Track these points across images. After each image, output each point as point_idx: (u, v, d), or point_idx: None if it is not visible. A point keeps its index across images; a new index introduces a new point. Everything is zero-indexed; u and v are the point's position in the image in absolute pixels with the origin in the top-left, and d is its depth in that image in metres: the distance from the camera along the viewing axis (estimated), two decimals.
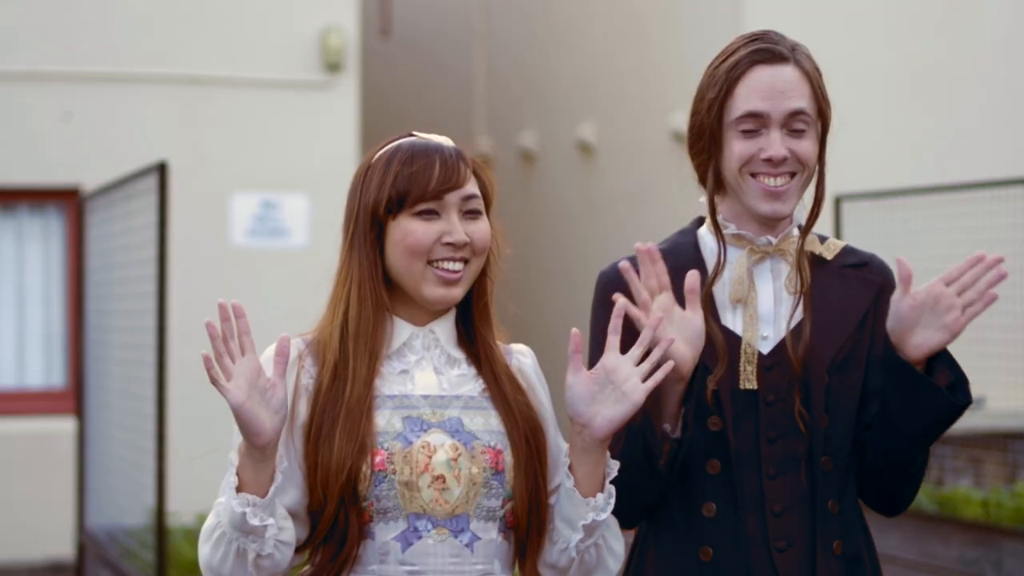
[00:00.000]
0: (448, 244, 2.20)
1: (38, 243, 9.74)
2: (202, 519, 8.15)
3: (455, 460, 2.18)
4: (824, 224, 8.04)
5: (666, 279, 2.27)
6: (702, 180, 2.47)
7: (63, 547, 8.85)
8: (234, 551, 2.11)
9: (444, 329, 2.29)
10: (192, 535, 8.01)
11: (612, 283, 2.37)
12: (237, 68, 9.72)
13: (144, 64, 9.60)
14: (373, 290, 2.23)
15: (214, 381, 2.05)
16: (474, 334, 2.30)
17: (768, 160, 2.36)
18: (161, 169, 6.07)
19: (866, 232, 7.91)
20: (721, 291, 2.43)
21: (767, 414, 2.37)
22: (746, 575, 2.36)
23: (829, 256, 2.48)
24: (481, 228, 2.23)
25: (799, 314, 2.41)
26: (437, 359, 2.27)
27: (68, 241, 9.64)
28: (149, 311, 6.23)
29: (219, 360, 2.05)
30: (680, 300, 2.29)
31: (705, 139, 2.42)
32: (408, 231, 2.20)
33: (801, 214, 2.50)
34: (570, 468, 2.23)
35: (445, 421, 2.21)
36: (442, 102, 15.50)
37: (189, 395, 8.59)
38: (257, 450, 2.07)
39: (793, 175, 2.39)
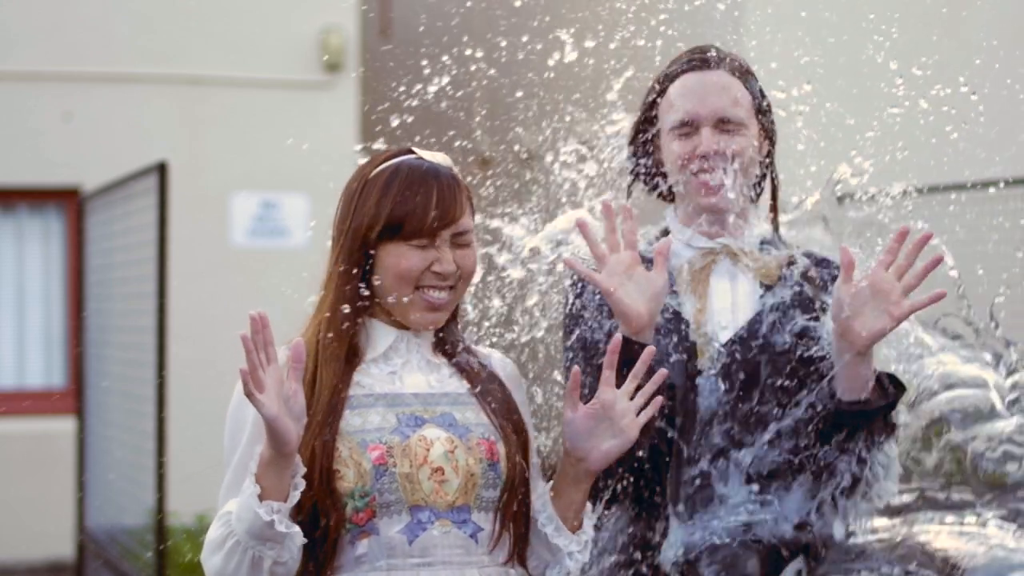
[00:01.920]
0: (437, 273, 2.24)
1: (38, 243, 9.74)
2: (202, 519, 8.14)
3: (452, 452, 2.22)
4: None
5: (633, 238, 2.34)
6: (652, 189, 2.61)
7: (63, 547, 8.85)
8: (249, 560, 2.11)
9: (424, 336, 2.33)
10: (192, 535, 8.01)
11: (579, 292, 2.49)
12: (237, 68, 9.72)
13: (144, 64, 9.60)
14: (351, 301, 2.25)
15: (249, 395, 2.05)
16: (445, 335, 2.35)
17: (703, 156, 2.48)
18: (161, 169, 6.08)
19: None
20: (688, 305, 2.52)
21: (722, 399, 2.46)
22: (709, 546, 2.45)
23: (783, 258, 2.56)
24: (469, 256, 2.28)
25: (755, 308, 2.49)
26: (419, 362, 2.31)
27: (68, 241, 9.64)
28: (149, 311, 6.23)
29: (253, 373, 2.06)
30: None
31: (638, 144, 2.58)
32: (400, 258, 2.23)
33: (759, 226, 2.61)
34: (551, 495, 2.30)
35: (438, 416, 2.25)
36: (442, 102, 15.48)
37: (189, 395, 8.59)
38: (283, 458, 2.09)
39: (726, 171, 2.49)
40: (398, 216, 2.23)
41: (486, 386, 2.30)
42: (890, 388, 2.43)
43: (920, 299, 2.33)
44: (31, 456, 9.34)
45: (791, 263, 2.54)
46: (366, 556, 2.19)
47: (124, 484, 6.99)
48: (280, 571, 2.14)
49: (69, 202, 9.59)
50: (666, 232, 2.60)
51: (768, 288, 2.51)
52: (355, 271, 2.25)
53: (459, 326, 2.38)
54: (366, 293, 2.27)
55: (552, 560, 2.31)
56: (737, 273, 2.54)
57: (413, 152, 2.31)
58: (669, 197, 2.61)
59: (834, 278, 2.48)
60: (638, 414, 2.25)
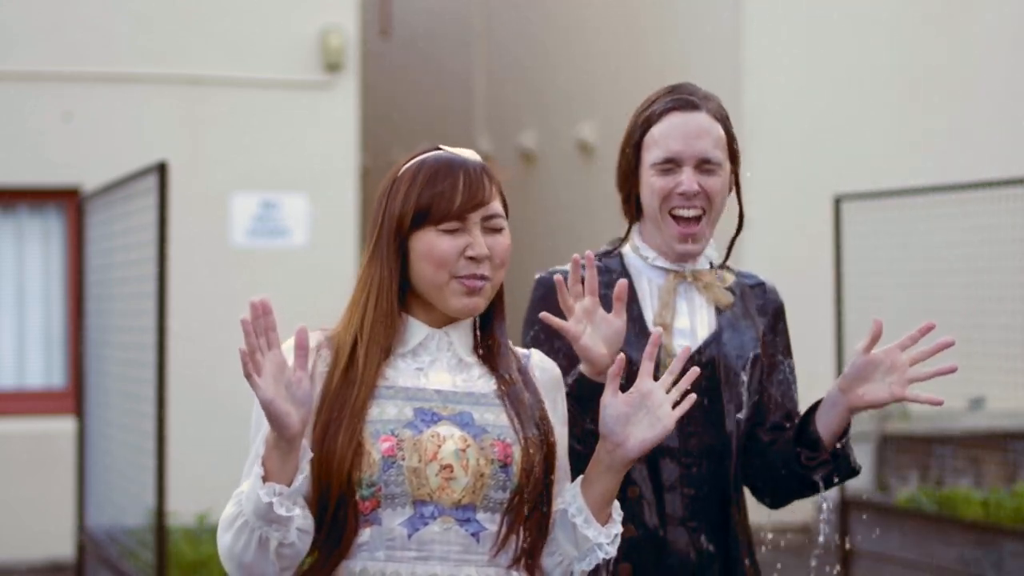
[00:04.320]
0: (471, 258, 2.26)
1: (38, 243, 9.74)
2: (202, 519, 8.16)
3: (464, 451, 2.23)
4: (824, 224, 8.10)
5: (594, 285, 2.53)
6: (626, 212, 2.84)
7: (63, 547, 8.86)
8: (256, 540, 2.14)
9: (459, 334, 2.34)
10: (192, 535, 8.02)
11: (552, 288, 2.65)
12: (237, 68, 9.72)
13: (144, 64, 9.60)
14: (388, 298, 2.28)
15: (248, 376, 2.09)
16: (491, 335, 2.36)
17: (682, 194, 2.71)
18: (161, 169, 6.07)
19: (866, 232, 7.92)
20: (649, 312, 2.76)
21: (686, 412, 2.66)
22: (666, 553, 2.69)
23: (728, 280, 2.83)
24: (501, 242, 2.29)
25: (713, 326, 2.76)
26: (449, 361, 2.32)
27: (68, 241, 9.65)
28: (149, 311, 6.22)
29: (252, 356, 2.09)
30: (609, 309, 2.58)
31: (629, 177, 2.78)
32: (433, 244, 2.26)
33: (711, 251, 2.85)
34: (581, 485, 2.32)
35: (456, 415, 2.26)
36: (442, 102, 15.51)
37: (189, 395, 8.60)
38: (285, 441, 2.11)
39: (703, 212, 2.72)
40: (426, 202, 2.25)
41: (516, 390, 2.31)
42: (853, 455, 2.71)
43: (920, 395, 2.56)
44: (31, 456, 9.35)
45: (732, 286, 2.82)
46: (367, 545, 2.22)
47: (124, 484, 6.99)
48: (287, 552, 2.16)
49: (69, 202, 9.60)
50: (621, 241, 2.84)
51: (719, 313, 2.78)
52: (394, 264, 2.28)
53: (504, 323, 2.38)
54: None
55: (577, 555, 2.31)
56: (694, 295, 2.78)
57: (440, 149, 2.34)
58: (634, 215, 2.84)
59: (766, 299, 2.83)
60: (674, 407, 2.29)
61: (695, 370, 2.32)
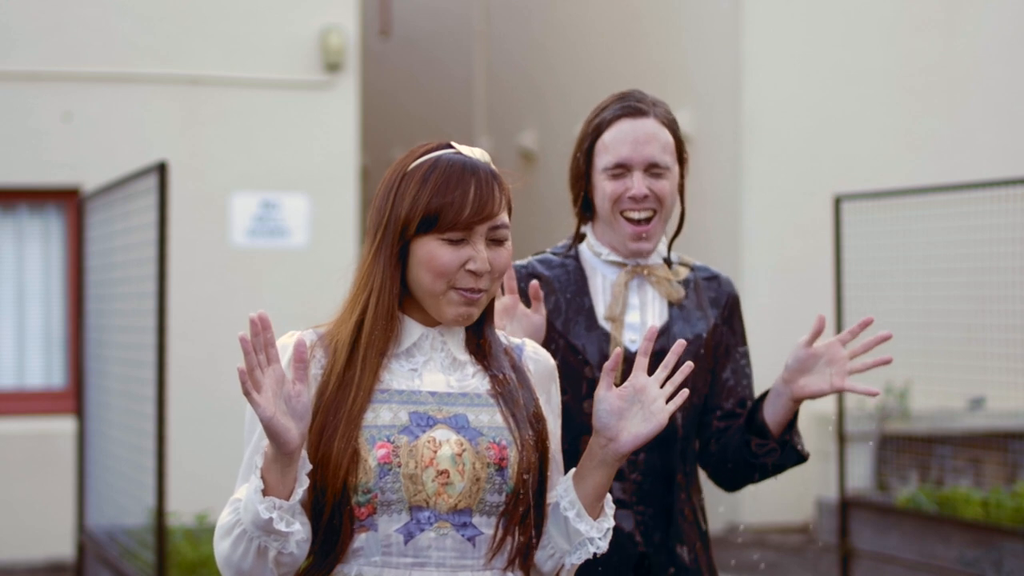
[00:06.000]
0: (471, 272, 2.24)
1: (38, 243, 9.75)
2: (202, 519, 8.16)
3: (460, 455, 2.22)
4: (824, 224, 8.12)
5: (512, 285, 2.74)
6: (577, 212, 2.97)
7: (63, 547, 8.86)
8: (255, 549, 2.14)
9: (453, 333, 2.33)
10: (192, 535, 8.01)
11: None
12: (237, 68, 9.72)
13: (144, 64, 9.60)
14: (388, 300, 2.27)
15: (247, 394, 2.08)
16: (482, 334, 2.35)
17: (632, 198, 2.84)
18: (161, 169, 6.07)
19: (866, 232, 7.92)
20: (601, 306, 2.91)
21: None
22: (615, 535, 2.77)
23: (683, 274, 2.96)
24: (503, 256, 2.28)
25: (665, 319, 2.89)
26: (443, 360, 2.31)
27: (68, 241, 9.65)
28: (149, 311, 6.22)
29: (251, 373, 2.08)
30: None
31: (580, 180, 2.92)
32: (434, 254, 2.23)
33: (663, 247, 2.99)
34: (574, 479, 2.31)
35: (451, 418, 2.25)
36: (442, 102, 15.51)
37: (189, 395, 8.61)
38: (285, 456, 2.11)
39: (654, 212, 2.85)
40: (434, 209, 2.22)
41: (510, 389, 2.30)
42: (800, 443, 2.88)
43: (857, 385, 2.70)
44: (31, 456, 9.35)
45: (687, 279, 2.95)
46: (362, 550, 2.21)
47: (124, 484, 6.99)
48: (286, 560, 2.16)
49: (69, 202, 9.60)
50: (580, 239, 2.96)
51: (672, 306, 2.90)
52: (395, 266, 2.26)
53: (493, 325, 2.37)
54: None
55: (569, 548, 2.31)
56: (647, 290, 2.91)
57: (452, 146, 2.31)
58: (588, 216, 2.96)
59: (719, 291, 2.96)
60: (667, 402, 2.29)
61: (688, 365, 2.31)
